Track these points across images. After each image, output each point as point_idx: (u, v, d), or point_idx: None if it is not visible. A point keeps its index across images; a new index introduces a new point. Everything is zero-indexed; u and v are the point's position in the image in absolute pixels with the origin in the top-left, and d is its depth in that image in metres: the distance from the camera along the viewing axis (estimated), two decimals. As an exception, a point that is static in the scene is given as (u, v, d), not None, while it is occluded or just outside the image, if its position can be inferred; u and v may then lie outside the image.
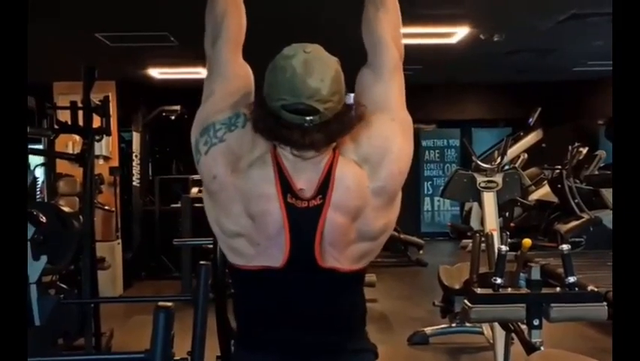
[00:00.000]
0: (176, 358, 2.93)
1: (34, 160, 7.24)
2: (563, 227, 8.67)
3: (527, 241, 3.38)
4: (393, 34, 1.84)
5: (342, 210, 1.64)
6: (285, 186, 1.63)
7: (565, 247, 3.27)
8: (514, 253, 3.83)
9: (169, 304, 2.22)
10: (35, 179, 6.92)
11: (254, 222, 1.63)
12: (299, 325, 1.70)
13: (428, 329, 5.70)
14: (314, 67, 1.60)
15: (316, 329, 1.71)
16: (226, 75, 1.77)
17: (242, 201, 1.63)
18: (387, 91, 1.78)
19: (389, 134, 1.73)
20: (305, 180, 1.65)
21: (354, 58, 1.85)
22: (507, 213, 8.79)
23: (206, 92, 1.77)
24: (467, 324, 5.57)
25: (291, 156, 1.65)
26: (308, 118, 1.59)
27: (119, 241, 8.11)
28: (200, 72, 8.44)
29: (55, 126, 5.23)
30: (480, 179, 4.98)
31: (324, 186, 1.64)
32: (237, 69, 1.79)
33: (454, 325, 5.66)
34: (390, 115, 1.75)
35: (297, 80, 1.59)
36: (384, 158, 1.69)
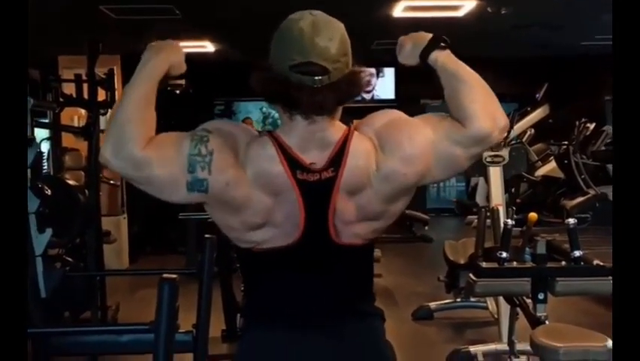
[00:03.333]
0: (181, 331, 2.95)
1: (40, 134, 7.22)
2: (569, 203, 8.65)
3: (533, 215, 3.38)
4: (484, 108, 1.70)
5: (350, 185, 1.63)
6: (293, 163, 1.62)
7: (571, 220, 3.28)
8: (519, 228, 3.82)
9: (173, 276, 2.21)
10: (41, 153, 6.91)
11: (276, 199, 1.62)
12: (313, 296, 1.70)
13: (432, 304, 5.72)
14: (321, 28, 1.59)
15: (329, 296, 1.71)
16: (152, 158, 1.62)
17: (260, 186, 1.61)
18: (452, 142, 1.69)
19: (418, 142, 1.67)
20: (315, 155, 1.63)
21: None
22: (513, 189, 8.77)
23: (157, 177, 1.63)
24: (472, 299, 5.58)
25: (299, 130, 1.62)
26: (317, 78, 1.57)
27: (125, 215, 8.13)
28: (205, 45, 8.41)
29: (60, 99, 5.23)
30: (486, 153, 4.94)
31: (337, 159, 1.63)
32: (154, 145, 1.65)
33: (458, 300, 5.67)
34: (432, 140, 1.68)
35: (306, 40, 1.57)
36: (402, 148, 1.66)
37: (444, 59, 1.73)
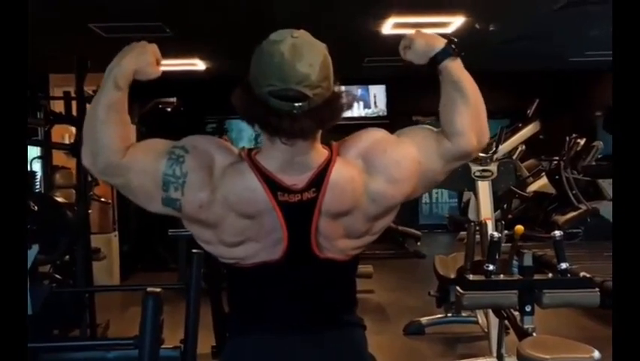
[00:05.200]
0: (169, 346, 2.94)
1: (31, 153, 7.23)
2: (561, 218, 8.67)
3: (520, 228, 3.40)
4: (473, 126, 1.73)
5: (334, 209, 1.63)
6: (273, 185, 1.61)
7: (557, 233, 3.29)
8: (509, 244, 3.84)
9: (157, 290, 2.21)
10: (33, 172, 6.92)
11: (252, 221, 1.62)
12: (296, 307, 1.71)
13: (424, 319, 5.70)
14: (302, 52, 1.56)
15: (312, 307, 1.72)
16: (129, 168, 1.65)
17: (234, 210, 1.61)
18: (436, 159, 1.71)
19: (405, 165, 1.68)
20: (296, 177, 1.63)
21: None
22: (505, 205, 8.79)
23: (133, 187, 1.66)
24: (463, 314, 5.58)
25: (279, 153, 1.61)
26: (297, 104, 1.54)
27: (116, 233, 8.10)
28: (196, 64, 8.45)
29: (50, 117, 5.24)
30: (475, 168, 4.97)
31: (318, 181, 1.62)
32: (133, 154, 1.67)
33: (449, 315, 5.66)
34: (418, 160, 1.69)
35: (286, 66, 1.54)
36: (390, 171, 1.66)
37: (453, 67, 1.72)
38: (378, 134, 1.73)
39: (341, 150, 1.69)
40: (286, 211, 1.61)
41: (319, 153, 1.66)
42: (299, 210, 1.62)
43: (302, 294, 1.70)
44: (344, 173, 1.64)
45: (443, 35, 1.78)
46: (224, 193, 1.61)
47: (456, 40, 1.75)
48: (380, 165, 1.66)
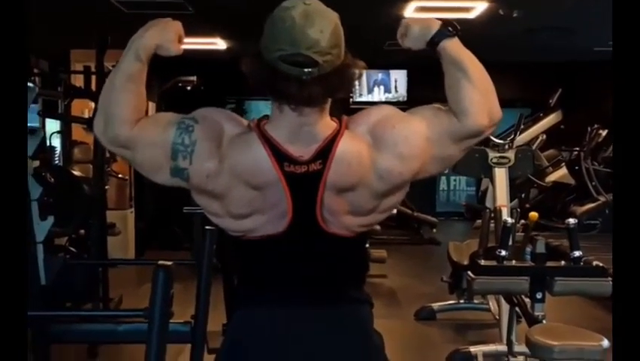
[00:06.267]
0: (179, 321, 2.96)
1: (51, 127, 7.29)
2: (579, 209, 8.63)
3: (534, 215, 3.38)
4: (481, 103, 1.69)
5: (339, 183, 1.63)
6: (280, 156, 1.61)
7: (571, 220, 3.26)
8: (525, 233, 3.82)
9: (168, 263, 2.24)
10: (53, 147, 6.98)
11: (260, 192, 1.62)
12: (302, 281, 1.71)
13: (435, 305, 5.70)
14: (314, 18, 1.56)
15: (317, 282, 1.72)
16: (138, 140, 1.66)
17: (241, 181, 1.62)
18: (446, 137, 1.69)
19: (414, 141, 1.66)
20: (303, 148, 1.63)
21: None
22: (523, 194, 8.75)
23: (141, 159, 1.68)
24: (475, 301, 5.58)
25: (287, 122, 1.62)
26: (306, 70, 1.55)
27: (132, 209, 8.15)
28: (216, 42, 8.43)
29: (70, 91, 5.27)
30: (492, 155, 4.94)
31: (324, 152, 1.62)
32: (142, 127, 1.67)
33: (461, 301, 5.66)
34: (428, 137, 1.68)
35: (296, 31, 1.54)
36: (398, 147, 1.65)
37: (451, 47, 1.70)
38: (388, 110, 1.72)
39: (350, 124, 1.68)
40: (292, 183, 1.61)
41: (327, 125, 1.66)
42: (304, 182, 1.62)
43: (307, 268, 1.70)
44: (351, 146, 1.63)
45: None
46: (231, 163, 1.61)
47: (453, 22, 1.73)
48: (389, 140, 1.65)
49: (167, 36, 1.67)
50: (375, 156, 1.64)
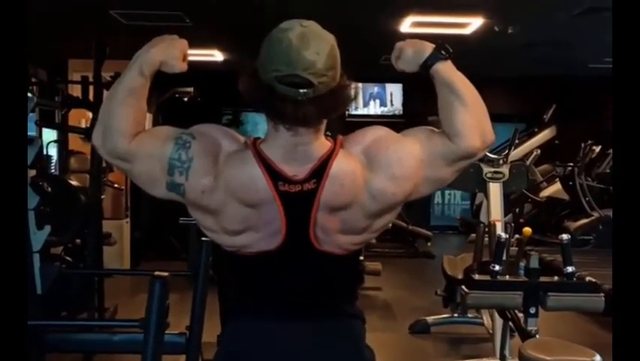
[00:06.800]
0: (174, 332, 2.97)
1: (48, 137, 7.30)
2: (573, 224, 8.66)
3: (527, 230, 3.40)
4: (474, 125, 1.70)
5: (332, 202, 1.65)
6: (274, 175, 1.63)
7: (564, 236, 3.29)
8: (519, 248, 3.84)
9: (165, 273, 2.25)
10: (49, 156, 6.99)
11: (254, 209, 1.64)
12: (294, 295, 1.72)
13: (429, 318, 5.71)
14: (310, 40, 1.58)
15: (309, 298, 1.73)
16: (136, 154, 1.68)
17: (236, 198, 1.63)
18: (439, 158, 1.70)
19: (407, 162, 1.68)
20: (297, 168, 1.64)
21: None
22: (517, 209, 8.78)
23: (138, 172, 1.69)
24: (469, 315, 5.59)
25: (282, 142, 1.63)
26: (302, 91, 1.56)
27: (128, 219, 8.15)
28: (213, 54, 8.47)
29: (68, 101, 5.29)
30: (486, 169, 4.97)
31: (319, 172, 1.64)
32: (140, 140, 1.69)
33: (455, 315, 5.67)
34: (421, 159, 1.69)
35: (293, 52, 1.56)
36: (391, 168, 1.67)
37: (444, 69, 1.72)
38: (383, 131, 1.74)
39: (345, 144, 1.70)
40: (286, 202, 1.63)
41: (322, 144, 1.67)
42: (298, 201, 1.63)
43: (300, 283, 1.71)
44: (345, 166, 1.65)
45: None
46: (226, 180, 1.63)
47: (446, 44, 1.74)
48: (382, 161, 1.67)
49: (173, 53, 1.70)
50: (368, 177, 1.66)
